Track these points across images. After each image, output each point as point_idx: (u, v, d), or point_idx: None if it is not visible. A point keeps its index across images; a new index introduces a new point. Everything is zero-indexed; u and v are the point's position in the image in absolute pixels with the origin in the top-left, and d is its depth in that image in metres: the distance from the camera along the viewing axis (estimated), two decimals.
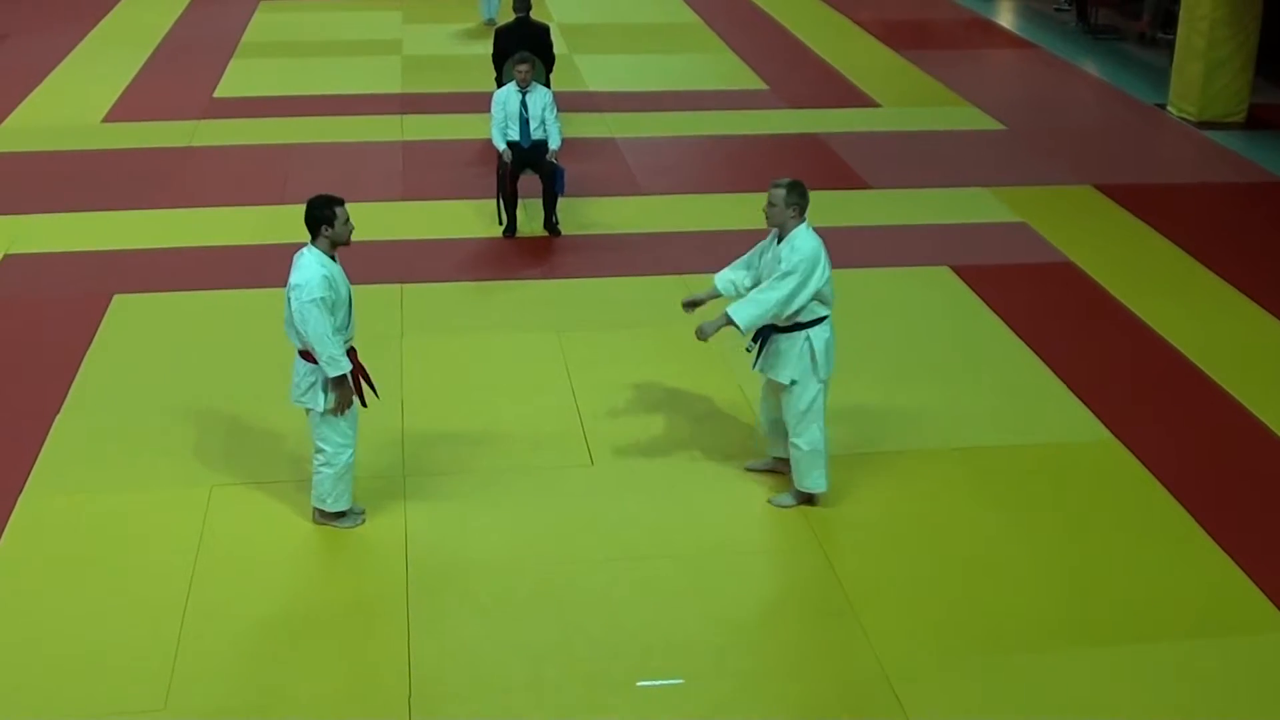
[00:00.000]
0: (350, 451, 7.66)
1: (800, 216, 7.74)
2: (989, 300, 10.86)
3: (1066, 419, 9.14)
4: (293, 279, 7.34)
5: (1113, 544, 7.78)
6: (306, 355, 7.44)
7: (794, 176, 7.81)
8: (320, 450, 7.62)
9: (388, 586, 7.31)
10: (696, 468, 8.48)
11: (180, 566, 7.42)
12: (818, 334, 7.78)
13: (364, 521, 7.81)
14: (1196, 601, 7.32)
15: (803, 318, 7.75)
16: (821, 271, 7.66)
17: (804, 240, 7.69)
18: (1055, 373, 9.71)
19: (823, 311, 7.79)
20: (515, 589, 7.30)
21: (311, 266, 7.32)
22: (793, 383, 7.81)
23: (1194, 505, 8.14)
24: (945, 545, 7.74)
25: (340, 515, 7.78)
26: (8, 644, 6.84)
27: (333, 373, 7.34)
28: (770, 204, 7.76)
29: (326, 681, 6.62)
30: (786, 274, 7.64)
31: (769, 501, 8.07)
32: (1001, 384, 9.61)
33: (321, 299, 7.22)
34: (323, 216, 7.37)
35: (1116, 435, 8.90)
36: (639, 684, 6.64)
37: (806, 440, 7.87)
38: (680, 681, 6.66)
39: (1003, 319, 10.55)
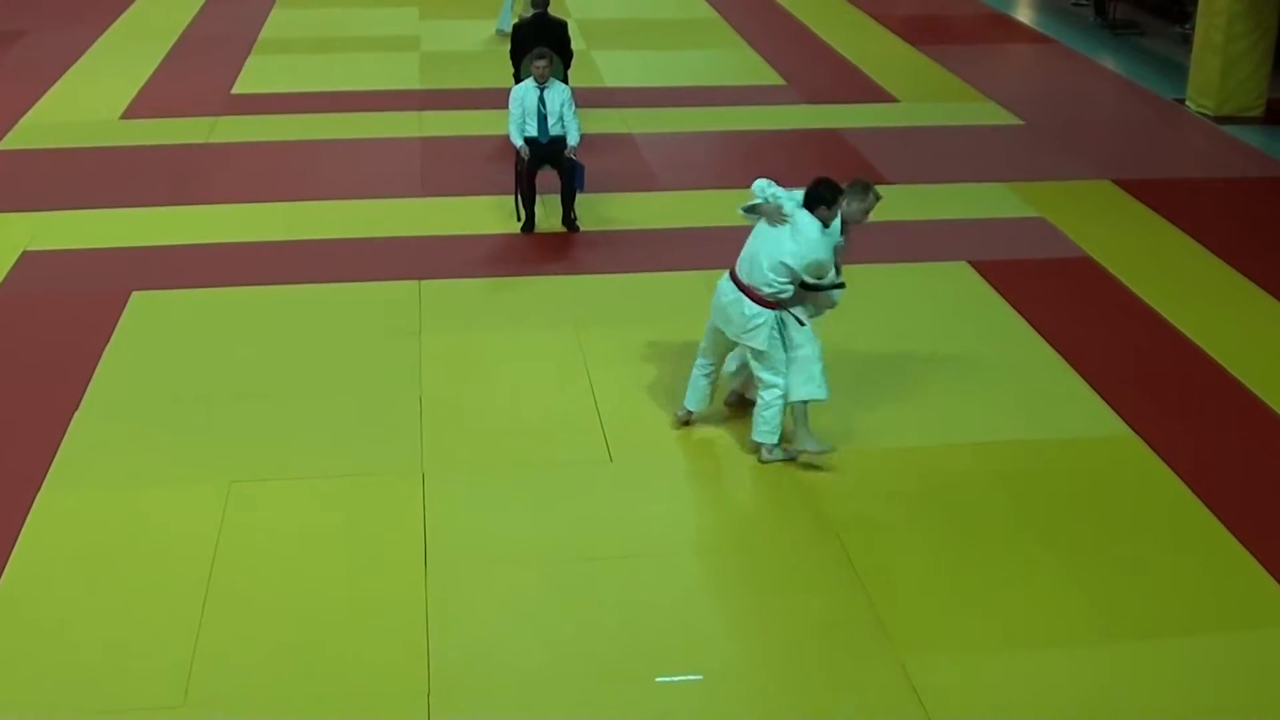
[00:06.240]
0: (783, 383, 8.24)
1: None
2: (1007, 295, 10.84)
3: (1085, 414, 9.12)
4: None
5: (1131, 539, 7.77)
6: (753, 296, 8.16)
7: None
8: (770, 386, 8.25)
9: (406, 581, 7.32)
10: (715, 464, 8.49)
11: (199, 562, 7.44)
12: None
13: (832, 450, 8.35)
14: (1216, 597, 7.30)
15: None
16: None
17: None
18: (1073, 368, 9.68)
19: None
20: (534, 584, 7.31)
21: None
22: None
23: (1213, 500, 8.11)
24: (965, 540, 7.73)
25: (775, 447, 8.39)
26: (27, 640, 6.87)
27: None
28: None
29: (345, 676, 6.64)
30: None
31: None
32: (1019, 379, 9.59)
33: None
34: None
35: (1135, 430, 8.87)
36: (658, 680, 6.64)
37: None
38: (699, 678, 6.66)
39: (1021, 314, 10.53)
